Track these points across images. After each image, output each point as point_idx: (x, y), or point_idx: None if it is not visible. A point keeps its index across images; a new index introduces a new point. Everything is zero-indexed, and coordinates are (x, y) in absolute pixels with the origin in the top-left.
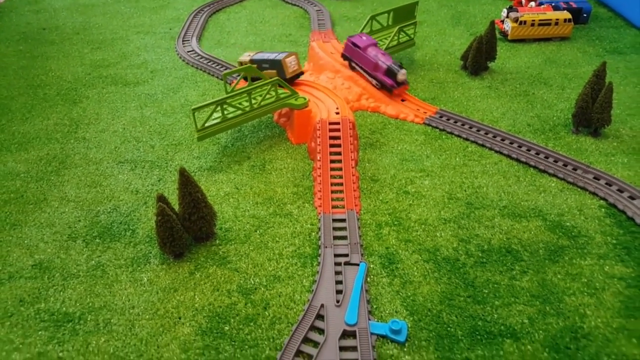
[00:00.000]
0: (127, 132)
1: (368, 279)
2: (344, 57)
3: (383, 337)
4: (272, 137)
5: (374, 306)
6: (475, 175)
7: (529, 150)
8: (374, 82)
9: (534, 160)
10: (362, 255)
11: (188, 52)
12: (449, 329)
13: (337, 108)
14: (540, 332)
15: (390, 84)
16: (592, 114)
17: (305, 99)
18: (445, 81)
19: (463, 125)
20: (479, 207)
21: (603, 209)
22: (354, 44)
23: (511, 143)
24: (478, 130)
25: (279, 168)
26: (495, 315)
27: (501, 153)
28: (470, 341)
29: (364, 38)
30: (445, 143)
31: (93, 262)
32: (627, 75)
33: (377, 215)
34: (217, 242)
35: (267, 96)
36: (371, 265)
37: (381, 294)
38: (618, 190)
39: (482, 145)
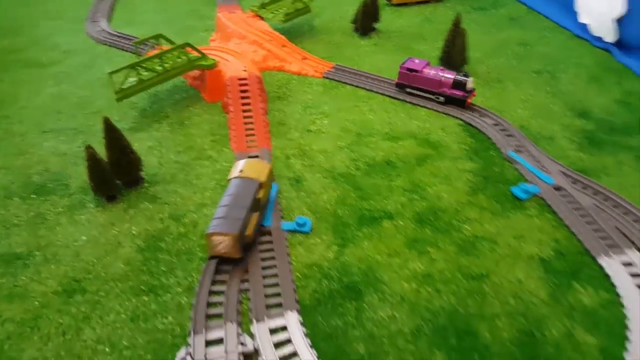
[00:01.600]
0: (47, 106)
1: (280, 196)
2: (399, 85)
3: (293, 231)
4: (187, 98)
5: (285, 213)
6: (364, 113)
7: None
8: (441, 99)
9: (409, 97)
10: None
11: (98, 31)
12: (342, 219)
13: (244, 67)
14: (409, 212)
15: (462, 95)
16: (454, 56)
17: (214, 59)
18: (340, 42)
19: (355, 75)
20: (366, 135)
21: (460, 127)
22: (410, 69)
23: (391, 86)
24: (367, 79)
25: (197, 123)
26: (377, 206)
27: (384, 94)
28: (358, 224)
29: (417, 61)
30: (340, 91)
31: (32, 212)
32: (486, 27)
33: (286, 150)
34: (146, 185)
35: (178, 60)
36: (282, 187)
37: (290, 205)
38: (472, 111)
39: (370, 90)
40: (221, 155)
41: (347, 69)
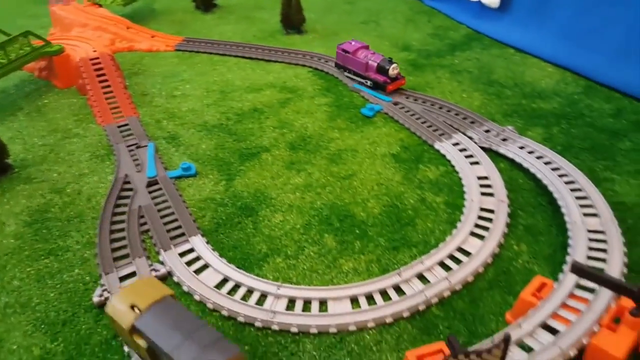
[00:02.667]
0: None
1: (159, 153)
2: (337, 66)
3: (179, 177)
4: (39, 89)
5: (168, 165)
6: (224, 74)
7: (257, 50)
8: (368, 82)
9: (262, 55)
10: (149, 138)
11: None
12: (224, 160)
13: (93, 49)
14: (282, 143)
15: (383, 80)
16: (292, 17)
17: (60, 45)
18: (185, 19)
19: (206, 44)
20: (230, 92)
21: (311, 73)
22: (344, 51)
23: (244, 48)
24: (218, 45)
25: (55, 108)
26: (254, 144)
27: (238, 56)
28: (240, 161)
29: (353, 43)
30: (195, 59)
31: None
32: None
33: (155, 115)
34: (17, 170)
35: (21, 51)
36: (159, 145)
37: (171, 159)
38: (318, 59)
39: (224, 55)
40: (89, 131)
41: (197, 40)
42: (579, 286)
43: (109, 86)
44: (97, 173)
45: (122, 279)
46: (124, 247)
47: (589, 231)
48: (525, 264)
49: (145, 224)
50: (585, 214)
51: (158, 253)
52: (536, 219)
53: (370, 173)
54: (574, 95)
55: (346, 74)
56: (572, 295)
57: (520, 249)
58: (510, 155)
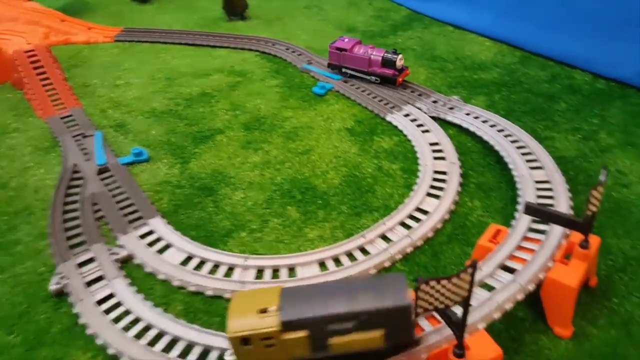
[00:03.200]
0: None
1: (108, 142)
2: (331, 66)
3: (131, 163)
4: None
5: (119, 153)
6: (168, 61)
7: (201, 36)
8: (373, 78)
9: (207, 41)
10: (95, 127)
11: None
12: (177, 144)
13: (27, 42)
14: (237, 125)
15: (392, 74)
16: (234, 3)
17: None
18: (122, 11)
19: (147, 33)
20: (177, 78)
21: (258, 57)
22: (339, 49)
23: (187, 35)
24: (160, 34)
25: None
26: (207, 127)
27: (182, 44)
28: (194, 144)
29: (346, 40)
30: (137, 48)
31: None
32: None
33: (99, 105)
34: None
35: None
36: (107, 134)
37: (121, 146)
38: (265, 42)
39: (166, 43)
40: (29, 125)
41: (137, 30)
42: (531, 229)
43: (47, 79)
44: (43, 165)
45: (81, 265)
46: (79, 234)
47: (536, 182)
48: (479, 218)
49: (99, 210)
50: (531, 167)
51: (116, 238)
52: (486, 177)
53: (327, 147)
54: (511, 65)
55: (344, 70)
56: (525, 238)
57: (474, 204)
58: (457, 121)
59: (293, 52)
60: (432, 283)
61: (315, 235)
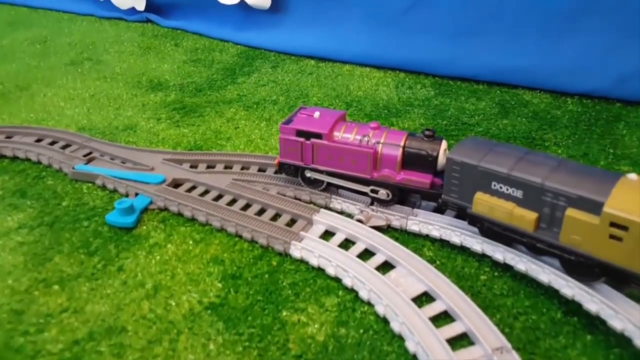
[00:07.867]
0: None
1: None
2: (284, 169)
3: None
4: None
5: None
6: None
7: None
8: (384, 195)
9: None
10: None
11: None
12: None
13: None
14: None
15: (431, 183)
16: None
17: None
18: None
19: None
20: None
21: None
22: (302, 133)
23: None
24: None
25: None
26: None
27: None
28: None
29: (318, 114)
30: None
31: None
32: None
33: None
34: None
35: None
36: None
37: None
38: None
39: None
40: None
41: None
42: None
43: None
44: None
45: None
46: None
47: None
48: None
49: None
50: None
51: None
52: None
53: None
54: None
55: (312, 177)
56: None
57: None
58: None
59: (53, 143)
60: None
61: None
